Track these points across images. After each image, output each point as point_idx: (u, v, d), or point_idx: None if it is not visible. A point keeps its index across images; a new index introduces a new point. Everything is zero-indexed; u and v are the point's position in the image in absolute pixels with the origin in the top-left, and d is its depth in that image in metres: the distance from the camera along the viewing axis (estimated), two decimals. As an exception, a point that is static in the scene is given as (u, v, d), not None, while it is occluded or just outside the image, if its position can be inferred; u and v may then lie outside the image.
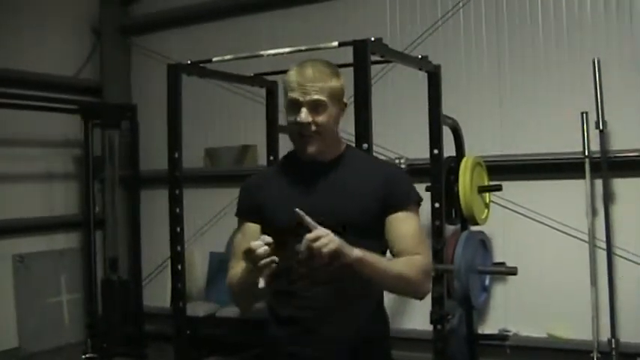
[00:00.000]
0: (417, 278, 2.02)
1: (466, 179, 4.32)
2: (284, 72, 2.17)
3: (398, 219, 2.08)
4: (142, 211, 6.38)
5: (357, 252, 1.88)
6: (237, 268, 2.09)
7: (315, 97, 2.02)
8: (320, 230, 1.82)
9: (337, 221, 1.95)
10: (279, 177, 2.18)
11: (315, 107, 2.03)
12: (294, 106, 2.04)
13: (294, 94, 2.03)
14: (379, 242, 2.10)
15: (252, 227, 2.15)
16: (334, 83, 2.07)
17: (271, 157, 4.72)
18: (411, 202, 2.12)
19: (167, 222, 4.18)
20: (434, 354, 4.23)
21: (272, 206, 2.11)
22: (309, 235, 1.81)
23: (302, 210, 1.86)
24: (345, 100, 2.14)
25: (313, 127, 2.04)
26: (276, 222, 2.04)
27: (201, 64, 4.28)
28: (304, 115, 2.02)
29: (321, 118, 2.04)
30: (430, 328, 4.26)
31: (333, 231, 1.84)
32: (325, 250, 1.80)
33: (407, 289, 2.06)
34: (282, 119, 2.17)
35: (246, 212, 2.19)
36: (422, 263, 2.04)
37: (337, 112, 2.10)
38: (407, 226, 2.08)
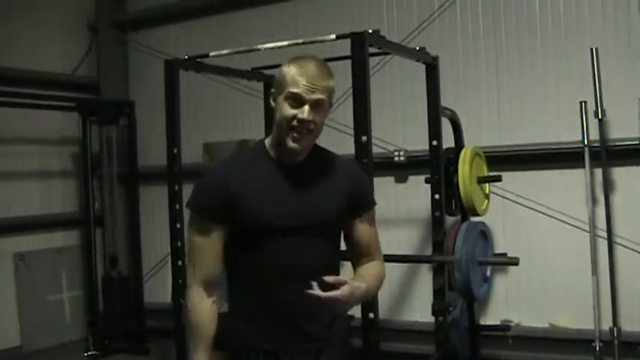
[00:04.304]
0: (378, 288, 2.25)
1: (465, 170, 4.30)
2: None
3: (364, 221, 2.19)
4: (141, 208, 6.38)
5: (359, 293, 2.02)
6: (208, 302, 2.09)
7: (320, 96, 2.00)
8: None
9: (321, 226, 2.08)
10: (253, 171, 2.08)
11: (316, 106, 2.00)
12: (297, 101, 1.99)
13: (299, 90, 1.98)
14: (339, 237, 2.20)
15: (218, 230, 2.06)
16: (332, 83, 2.05)
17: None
18: (374, 204, 2.24)
19: (167, 218, 4.18)
20: (436, 345, 4.24)
21: (248, 202, 2.03)
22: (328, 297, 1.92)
23: (287, 212, 2.02)
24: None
25: (312, 126, 2.01)
26: (254, 222, 2.02)
27: (198, 59, 4.26)
28: (307, 113, 1.99)
29: (319, 118, 2.02)
30: (432, 319, 4.27)
31: None
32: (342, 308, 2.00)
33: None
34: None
35: (214, 207, 2.04)
36: (383, 274, 2.22)
37: (327, 112, 2.09)
38: (371, 230, 2.22)
